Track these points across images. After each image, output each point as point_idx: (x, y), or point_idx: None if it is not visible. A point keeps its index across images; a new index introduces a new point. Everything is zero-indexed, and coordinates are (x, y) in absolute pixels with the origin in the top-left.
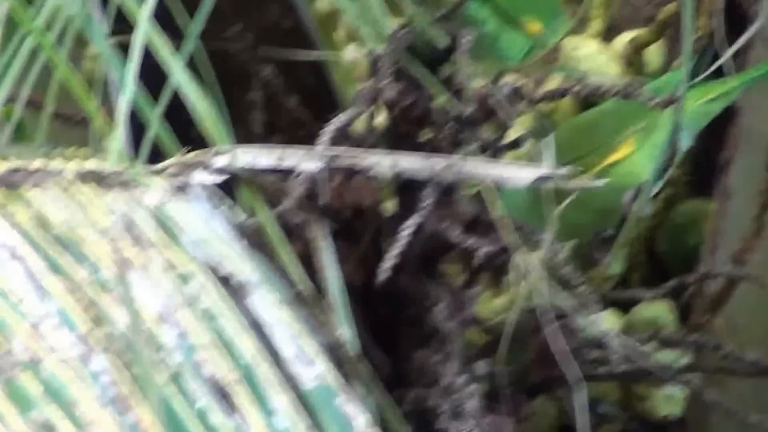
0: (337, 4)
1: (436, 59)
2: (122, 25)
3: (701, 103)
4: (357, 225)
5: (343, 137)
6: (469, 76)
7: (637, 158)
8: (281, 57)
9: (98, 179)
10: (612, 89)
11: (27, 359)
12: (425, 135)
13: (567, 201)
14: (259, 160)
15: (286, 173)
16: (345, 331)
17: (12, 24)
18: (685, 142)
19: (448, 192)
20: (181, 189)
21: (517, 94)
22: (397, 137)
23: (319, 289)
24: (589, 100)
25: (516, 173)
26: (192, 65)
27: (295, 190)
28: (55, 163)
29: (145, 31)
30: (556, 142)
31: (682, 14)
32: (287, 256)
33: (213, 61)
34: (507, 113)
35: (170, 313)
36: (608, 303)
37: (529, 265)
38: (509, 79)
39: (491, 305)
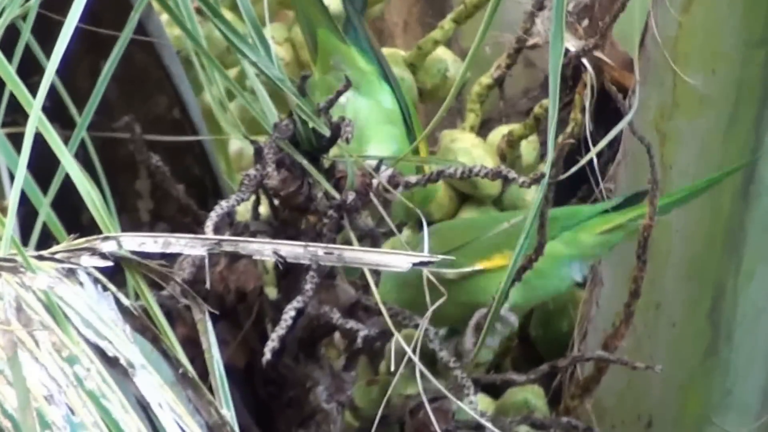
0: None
1: (318, 149)
2: (14, 116)
3: (600, 233)
4: (240, 309)
5: (227, 223)
6: (350, 165)
7: (504, 276)
8: (168, 146)
9: None
10: (482, 170)
11: None
12: (308, 222)
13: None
14: (146, 246)
15: (171, 258)
16: (227, 411)
17: None
18: (581, 272)
19: (329, 277)
20: (70, 273)
21: (394, 180)
22: (280, 224)
23: (203, 371)
24: (464, 192)
25: (395, 259)
26: (82, 154)
27: (180, 275)
28: None
29: (36, 121)
30: (433, 237)
31: (550, 111)
32: (172, 338)
33: (102, 150)
34: (385, 201)
35: (59, 393)
36: (482, 387)
37: (406, 349)
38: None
39: (368, 389)
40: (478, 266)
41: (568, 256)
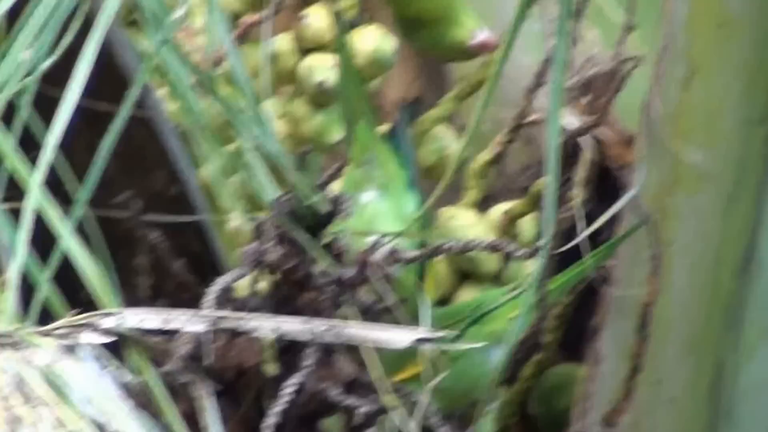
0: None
1: (317, 224)
2: (14, 191)
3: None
4: (240, 385)
5: (226, 299)
6: (349, 240)
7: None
8: (167, 222)
9: None
10: (480, 243)
11: None
12: (307, 297)
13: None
14: (146, 322)
15: (171, 334)
16: None
17: None
18: (502, 357)
19: (328, 353)
20: (71, 349)
21: (393, 256)
22: (280, 299)
23: None
24: (463, 267)
25: (394, 336)
26: (81, 230)
27: (180, 351)
28: None
29: (36, 197)
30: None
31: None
32: (172, 415)
33: (101, 226)
34: (385, 276)
35: None
36: None
37: (406, 426)
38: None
39: None
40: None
41: (482, 349)
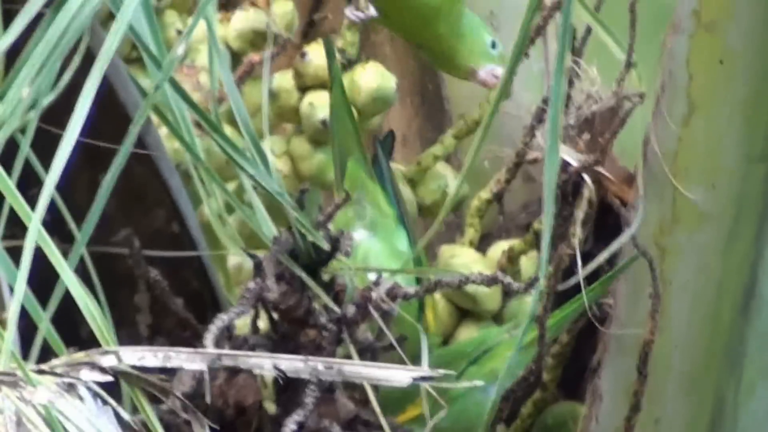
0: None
1: (317, 262)
2: (13, 229)
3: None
4: (240, 423)
5: (227, 337)
6: (349, 278)
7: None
8: (167, 259)
9: None
10: (479, 277)
11: None
12: (307, 335)
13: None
14: (145, 360)
15: (171, 372)
16: None
17: None
18: (498, 392)
19: (329, 391)
20: (70, 387)
21: (393, 292)
22: (280, 337)
23: None
24: (462, 305)
25: (394, 374)
26: (81, 267)
27: (180, 389)
28: None
29: (36, 234)
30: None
31: (544, 223)
32: None
33: (101, 263)
34: (385, 313)
35: None
36: None
37: None
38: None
39: None
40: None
41: (482, 388)
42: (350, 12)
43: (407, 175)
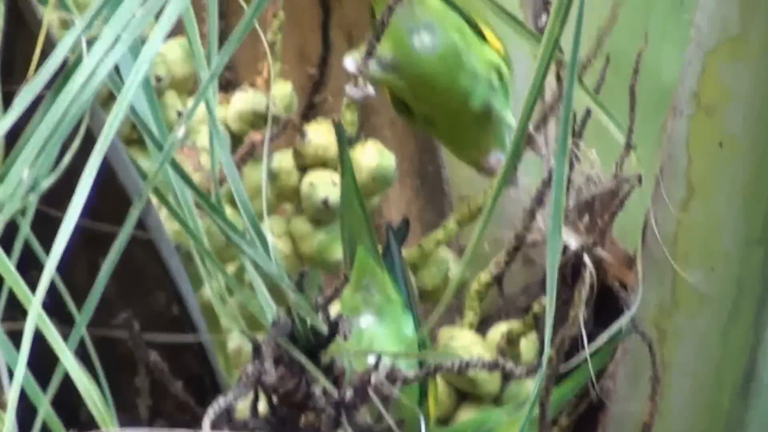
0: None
1: (316, 345)
2: (13, 311)
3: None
4: None
5: (225, 420)
6: (348, 361)
7: None
8: (167, 342)
9: None
10: (479, 363)
11: None
12: (306, 418)
13: None
14: None
15: None
16: None
17: None
18: None
19: None
20: None
21: (392, 375)
22: (279, 420)
23: None
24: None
25: None
26: (81, 350)
27: None
28: None
29: (35, 317)
30: None
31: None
32: None
33: (101, 346)
34: (384, 397)
35: None
36: None
37: None
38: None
39: None
40: None
41: None
42: (350, 89)
43: (409, 259)
